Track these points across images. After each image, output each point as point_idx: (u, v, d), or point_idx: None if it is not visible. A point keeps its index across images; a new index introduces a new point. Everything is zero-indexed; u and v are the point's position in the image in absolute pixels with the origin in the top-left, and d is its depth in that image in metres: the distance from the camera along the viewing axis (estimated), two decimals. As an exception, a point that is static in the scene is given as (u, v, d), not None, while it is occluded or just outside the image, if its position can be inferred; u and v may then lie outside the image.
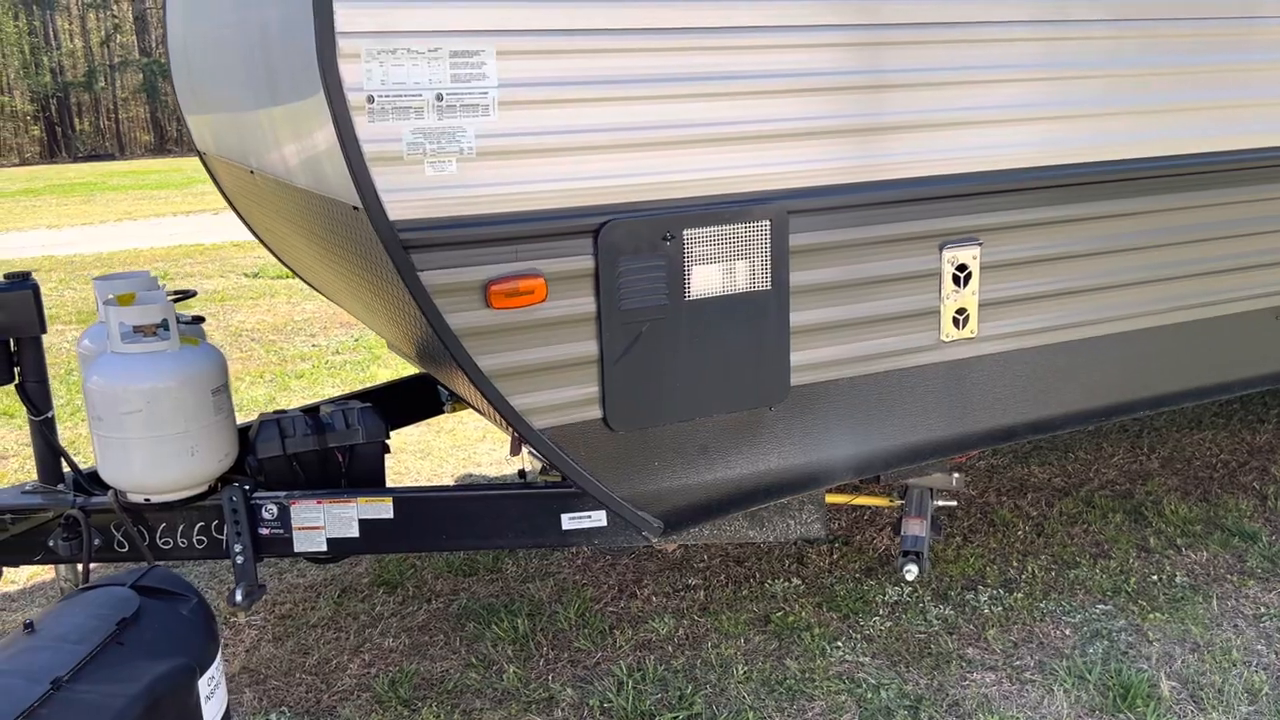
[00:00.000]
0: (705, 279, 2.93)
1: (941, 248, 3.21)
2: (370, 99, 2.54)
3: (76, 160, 38.03)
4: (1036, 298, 3.37)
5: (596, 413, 2.91)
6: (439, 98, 2.59)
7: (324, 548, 3.54)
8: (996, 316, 3.34)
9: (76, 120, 43.36)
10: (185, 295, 4.02)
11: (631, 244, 2.82)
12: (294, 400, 6.83)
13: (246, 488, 3.49)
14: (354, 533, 3.51)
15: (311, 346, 8.23)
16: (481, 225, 2.68)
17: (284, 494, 3.49)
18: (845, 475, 3.28)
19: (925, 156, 3.11)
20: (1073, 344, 3.46)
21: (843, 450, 3.23)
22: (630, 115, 2.77)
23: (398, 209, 2.61)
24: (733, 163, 2.89)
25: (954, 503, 3.83)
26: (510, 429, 2.96)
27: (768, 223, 2.96)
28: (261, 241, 4.87)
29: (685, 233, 2.88)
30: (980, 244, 3.25)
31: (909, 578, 3.47)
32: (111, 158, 39.21)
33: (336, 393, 6.71)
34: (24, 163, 37.01)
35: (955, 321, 3.28)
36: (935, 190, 3.15)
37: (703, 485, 3.06)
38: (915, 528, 3.55)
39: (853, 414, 3.22)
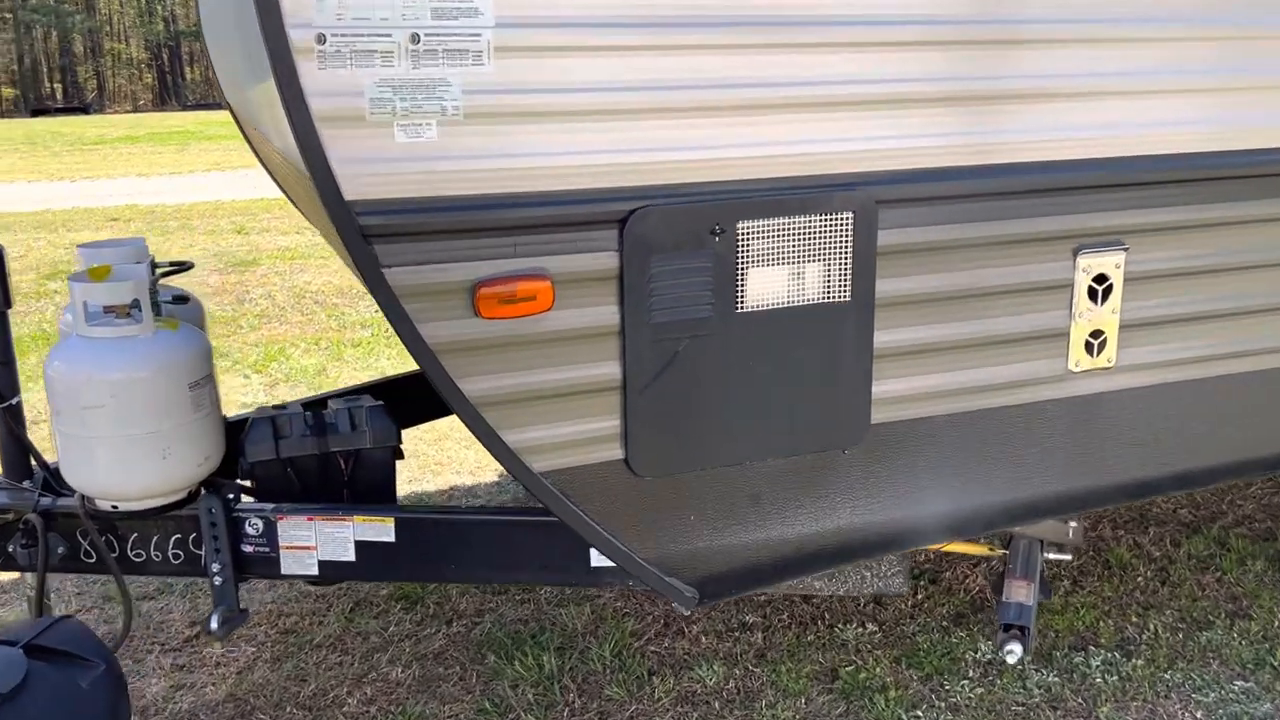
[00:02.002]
0: (764, 286, 2.19)
1: (1076, 253, 2.42)
2: (320, 38, 1.85)
3: (185, 109, 38.15)
4: (1195, 319, 2.55)
5: (616, 453, 2.20)
6: (414, 39, 1.89)
7: (315, 571, 2.91)
8: (1142, 341, 2.53)
9: (187, 69, 43.53)
10: (180, 268, 3.39)
11: (668, 238, 2.09)
12: (346, 373, 6.24)
13: (230, 497, 2.88)
14: (350, 556, 2.88)
15: (374, 314, 7.62)
16: (469, 209, 1.96)
17: (270, 507, 2.87)
18: (937, 537, 2.52)
19: (1060, 135, 2.31)
20: (1239, 378, 2.62)
21: (935, 505, 2.46)
22: (671, 70, 2.02)
23: (356, 185, 1.91)
24: (805, 136, 2.13)
25: (1068, 556, 3.05)
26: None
27: (850, 215, 2.21)
28: (294, 204, 4.24)
29: (740, 226, 2.14)
30: (1126, 249, 2.45)
31: (1010, 660, 2.70)
32: (218, 107, 39.25)
33: (391, 369, 6.10)
34: (136, 110, 37.29)
35: (1088, 347, 2.50)
36: (1071, 179, 2.35)
37: (751, 546, 2.34)
38: (1020, 593, 2.78)
39: (950, 461, 2.46)
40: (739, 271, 2.16)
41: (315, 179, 1.88)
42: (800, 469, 2.34)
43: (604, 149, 2.01)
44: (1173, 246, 2.49)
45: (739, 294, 2.17)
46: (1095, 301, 2.45)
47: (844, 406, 2.31)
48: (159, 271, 3.13)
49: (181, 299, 3.14)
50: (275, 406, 3.23)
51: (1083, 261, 2.42)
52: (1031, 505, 2.55)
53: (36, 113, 38.06)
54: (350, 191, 1.90)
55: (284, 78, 1.83)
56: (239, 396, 5.84)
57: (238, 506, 2.86)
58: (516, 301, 2.01)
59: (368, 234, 1.92)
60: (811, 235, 2.19)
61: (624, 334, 2.11)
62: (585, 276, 2.07)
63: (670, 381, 2.16)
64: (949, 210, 2.28)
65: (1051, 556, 2.99)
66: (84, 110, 39.98)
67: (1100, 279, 2.45)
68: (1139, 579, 3.84)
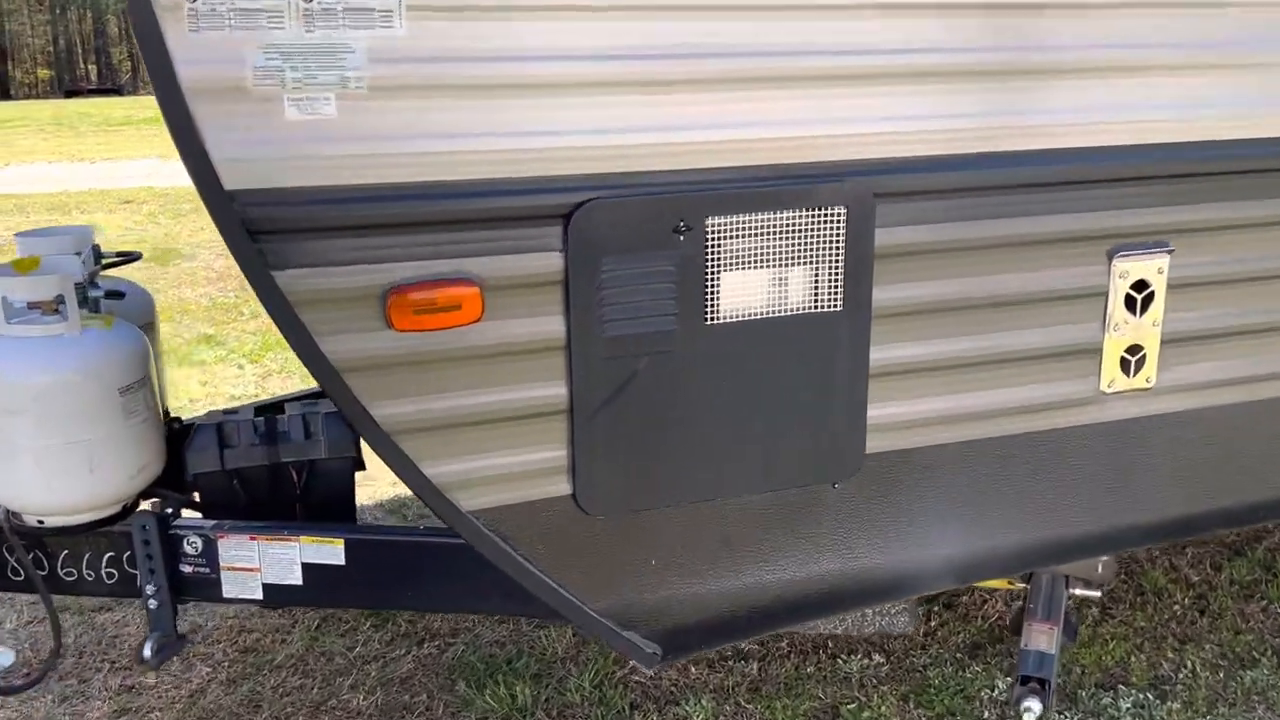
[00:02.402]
0: (739, 293, 1.85)
1: (1112, 256, 2.06)
2: (192, -7, 1.52)
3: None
4: (1248, 333, 2.16)
5: (562, 487, 1.86)
6: (309, -5, 1.56)
7: (259, 595, 2.61)
8: (1187, 358, 2.15)
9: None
10: (126, 259, 3.08)
11: (623, 237, 1.75)
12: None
13: (169, 512, 2.58)
14: (296, 579, 2.57)
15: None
16: (377, 201, 1.62)
17: (210, 524, 2.57)
18: (944, 581, 2.16)
19: (1094, 117, 1.94)
20: (1298, 402, 2.27)
21: (941, 547, 2.10)
22: (626, 36, 1.68)
23: (237, 172, 1.57)
24: (787, 116, 1.77)
25: (1097, 593, 2.69)
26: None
27: (842, 211, 1.86)
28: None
29: (710, 222, 1.79)
30: (1171, 251, 2.07)
31: (1028, 719, 2.35)
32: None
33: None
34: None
35: (1124, 365, 2.13)
36: (1108, 169, 1.99)
37: (725, 594, 1.99)
38: (1041, 639, 2.41)
39: (960, 495, 2.10)
40: (708, 276, 1.81)
41: (188, 163, 1.55)
42: (782, 506, 1.99)
43: (543, 130, 1.67)
44: (1225, 249, 2.11)
45: (708, 303, 1.82)
46: (1133, 312, 2.08)
47: (835, 433, 1.96)
48: (103, 263, 2.83)
49: (117, 294, 2.82)
50: (225, 410, 2.92)
51: (1119, 266, 2.05)
52: (1055, 546, 2.19)
53: (70, 94, 38.03)
54: (231, 179, 1.56)
55: (147, 41, 1.50)
56: (229, 388, 5.56)
57: (175, 523, 2.56)
58: (437, 311, 1.67)
59: (253, 230, 1.59)
60: (795, 234, 1.84)
61: (570, 349, 1.77)
62: (522, 282, 1.72)
63: (627, 404, 1.82)
64: (960, 205, 1.92)
65: (1079, 593, 2.63)
66: (117, 92, 39.90)
67: (1140, 286, 2.08)
68: (1175, 608, 3.45)
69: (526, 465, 1.82)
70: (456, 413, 1.75)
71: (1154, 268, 2.07)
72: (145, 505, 2.59)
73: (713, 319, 1.83)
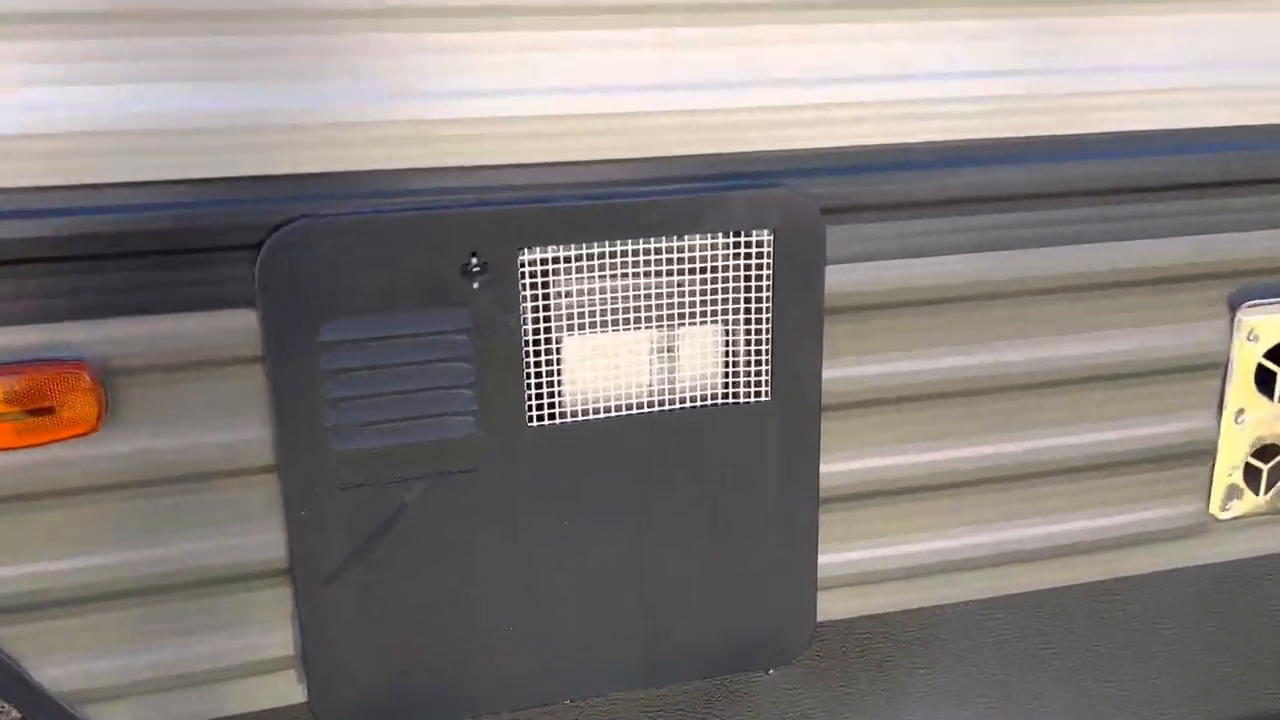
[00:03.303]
0: (588, 373, 1.09)
1: (1234, 306, 1.26)
2: None
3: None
4: None
5: (288, 691, 1.13)
6: None
7: None
8: (1352, 468, 1.34)
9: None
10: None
11: (368, 283, 1.01)
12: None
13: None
14: None
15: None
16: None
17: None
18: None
19: (1195, 79, 1.16)
20: None
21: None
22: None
23: None
24: (660, 78, 1.02)
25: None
26: None
27: (765, 239, 1.09)
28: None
29: (524, 259, 1.03)
30: (1331, 300, 1.27)
31: None
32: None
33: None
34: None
35: (1250, 476, 1.33)
36: (1218, 164, 1.20)
37: None
38: None
39: (979, 681, 1.32)
40: (530, 345, 1.05)
41: None
42: (684, 703, 1.23)
43: (184, 100, 0.92)
44: None
45: (530, 390, 1.06)
46: (1269, 394, 1.27)
47: (765, 594, 1.19)
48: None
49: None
50: None
51: (1247, 321, 1.24)
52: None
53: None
54: None
55: None
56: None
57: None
58: (19, 418, 0.94)
59: None
60: (686, 276, 1.07)
61: (283, 474, 1.03)
62: (175, 361, 0.98)
63: (390, 564, 1.07)
64: (968, 225, 1.13)
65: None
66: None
67: (1278, 354, 1.27)
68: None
69: (214, 660, 1.07)
70: (65, 586, 1.02)
71: (1304, 325, 1.25)
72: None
73: (540, 418, 1.07)
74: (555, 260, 1.04)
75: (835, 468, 1.18)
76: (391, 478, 1.05)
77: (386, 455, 1.04)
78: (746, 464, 1.14)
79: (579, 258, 1.04)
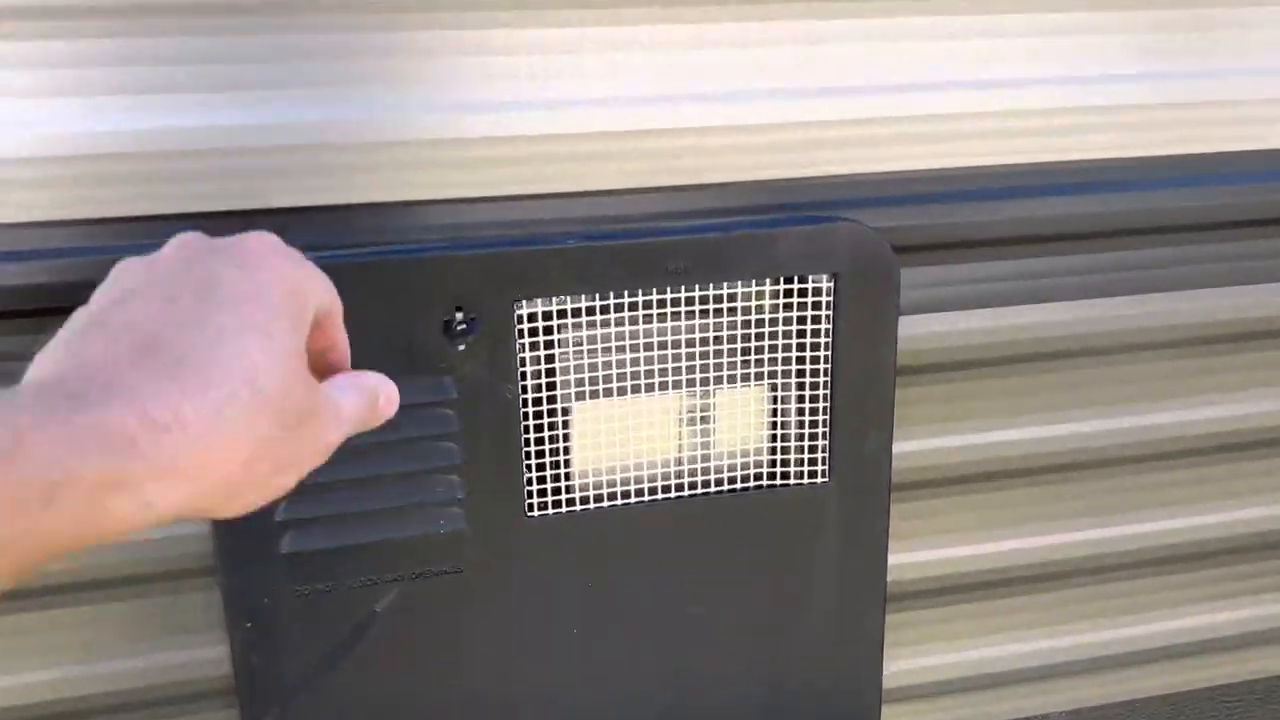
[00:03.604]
0: (602, 452, 0.88)
1: None
2: None
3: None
4: None
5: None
6: None
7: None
8: None
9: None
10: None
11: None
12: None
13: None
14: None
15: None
16: None
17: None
18: None
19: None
20: None
21: None
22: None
23: None
24: (690, 85, 0.81)
25: None
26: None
27: (825, 282, 0.88)
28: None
29: (526, 311, 0.80)
30: None
31: None
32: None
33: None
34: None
35: None
36: None
37: None
38: None
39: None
40: (528, 419, 0.84)
41: None
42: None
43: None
44: None
45: (531, 473, 0.86)
46: None
47: (821, 713, 0.98)
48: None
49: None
50: None
51: None
52: None
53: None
54: None
55: None
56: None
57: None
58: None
59: None
60: (725, 330, 0.86)
61: (223, 578, 0.83)
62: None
63: (356, 686, 0.87)
64: (1079, 266, 0.90)
65: None
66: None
67: None
68: None
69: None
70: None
71: None
72: None
73: (542, 506, 0.87)
74: (561, 314, 0.83)
75: (906, 559, 0.97)
76: (357, 582, 0.85)
77: (350, 555, 0.84)
78: (799, 559, 0.92)
79: (590, 310, 0.84)
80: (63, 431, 0.36)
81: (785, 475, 0.91)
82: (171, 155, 0.74)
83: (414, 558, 0.85)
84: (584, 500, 0.88)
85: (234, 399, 0.41)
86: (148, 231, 0.74)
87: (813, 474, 0.90)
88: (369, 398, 0.52)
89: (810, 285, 0.86)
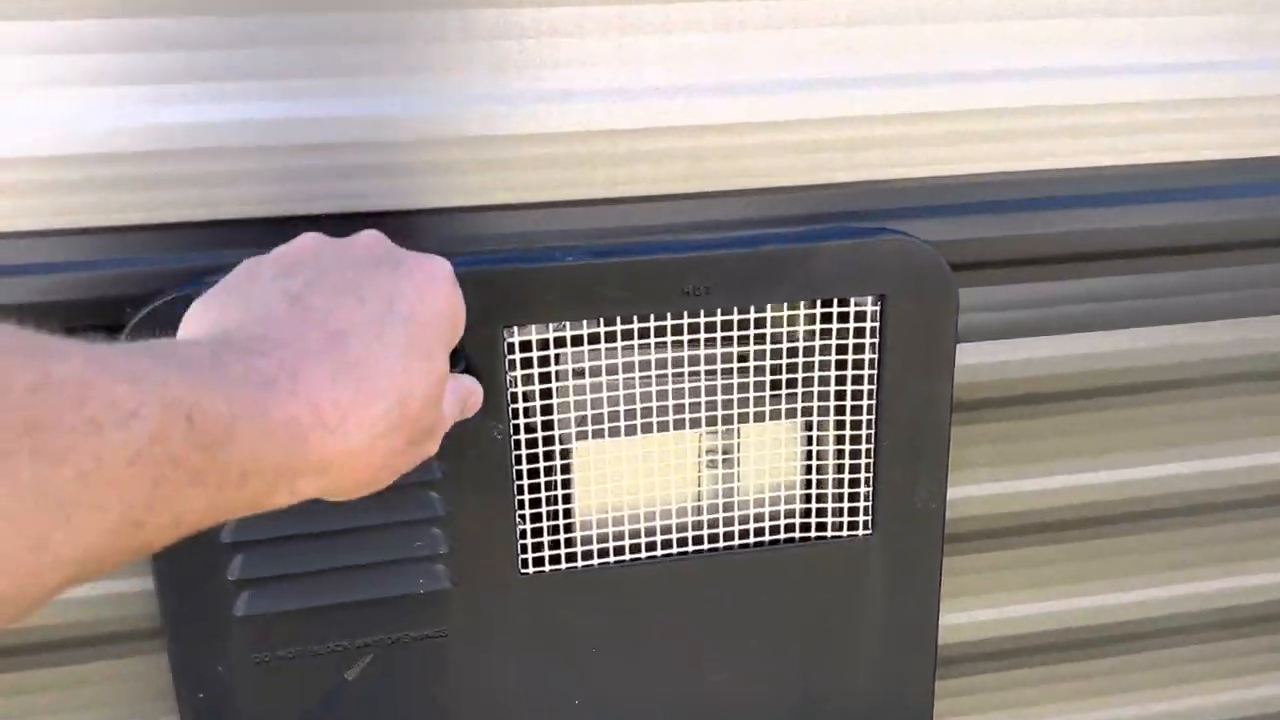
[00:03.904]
0: (607, 499, 0.76)
1: None
2: None
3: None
4: None
5: None
6: None
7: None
8: None
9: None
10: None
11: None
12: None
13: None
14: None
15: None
16: None
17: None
18: None
19: None
20: None
21: None
22: None
23: None
24: (711, 75, 0.69)
25: None
26: None
27: (871, 305, 0.75)
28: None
29: (518, 339, 0.70)
30: None
31: None
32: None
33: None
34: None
35: None
36: None
37: None
38: None
39: None
40: (521, 461, 0.73)
41: None
42: None
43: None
44: None
45: (525, 525, 0.74)
46: None
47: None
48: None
49: None
50: None
51: None
52: None
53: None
54: None
55: None
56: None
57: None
58: None
59: None
60: (752, 359, 0.74)
61: (171, 643, 0.73)
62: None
63: (332, 754, 0.76)
64: (1163, 286, 0.77)
65: None
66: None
67: None
68: None
69: None
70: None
71: None
72: None
73: (538, 562, 0.75)
74: (559, 342, 0.71)
75: (960, 619, 0.84)
76: (324, 648, 0.74)
77: (317, 617, 0.73)
78: (836, 622, 0.80)
79: (593, 337, 0.72)
80: (260, 428, 0.40)
81: (821, 526, 0.78)
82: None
83: (391, 620, 0.74)
84: (586, 555, 0.76)
85: (388, 415, 0.46)
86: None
87: (853, 525, 0.78)
88: (462, 404, 0.60)
89: (853, 308, 0.74)
